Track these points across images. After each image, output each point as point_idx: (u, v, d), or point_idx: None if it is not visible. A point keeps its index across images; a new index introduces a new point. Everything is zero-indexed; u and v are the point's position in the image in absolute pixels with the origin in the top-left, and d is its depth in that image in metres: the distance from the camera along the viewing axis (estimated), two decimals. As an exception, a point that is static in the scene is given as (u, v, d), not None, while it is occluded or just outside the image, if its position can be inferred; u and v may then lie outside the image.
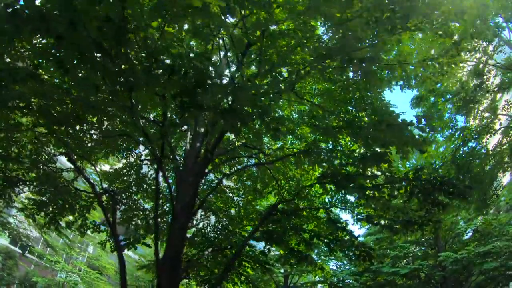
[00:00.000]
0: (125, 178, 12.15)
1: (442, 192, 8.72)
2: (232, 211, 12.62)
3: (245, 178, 12.00)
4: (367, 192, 8.36)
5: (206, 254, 9.99)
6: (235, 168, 10.94)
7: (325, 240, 10.88)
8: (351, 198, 11.60)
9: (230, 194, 12.50)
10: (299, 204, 9.53)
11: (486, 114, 12.77)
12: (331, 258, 24.70)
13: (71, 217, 11.29)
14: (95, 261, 25.71)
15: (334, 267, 24.59)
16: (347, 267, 23.31)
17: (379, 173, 8.51)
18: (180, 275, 8.28)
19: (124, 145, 10.92)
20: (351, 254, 10.92)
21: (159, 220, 12.16)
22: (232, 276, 11.83)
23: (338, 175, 8.26)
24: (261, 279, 23.95)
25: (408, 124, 7.25)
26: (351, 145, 9.69)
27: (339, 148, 9.19)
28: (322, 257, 22.69)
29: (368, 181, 8.32)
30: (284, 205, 9.31)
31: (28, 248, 30.45)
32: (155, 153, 8.39)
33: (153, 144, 8.36)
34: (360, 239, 11.31)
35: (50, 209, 10.46)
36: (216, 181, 11.85)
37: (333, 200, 11.39)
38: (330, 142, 9.34)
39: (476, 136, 11.61)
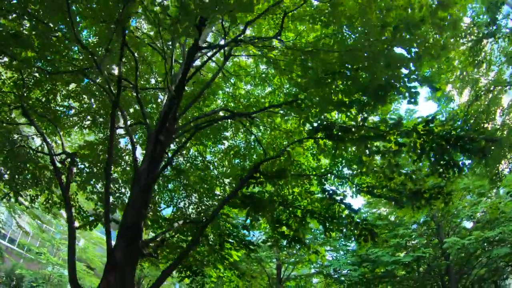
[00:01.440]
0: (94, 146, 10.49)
1: (459, 148, 6.89)
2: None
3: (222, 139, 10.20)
4: (370, 145, 6.50)
5: (176, 228, 8.11)
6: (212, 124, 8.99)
7: (320, 218, 9.06)
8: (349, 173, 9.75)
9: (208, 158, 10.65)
10: (286, 166, 7.70)
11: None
12: (328, 248, 22.78)
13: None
14: (82, 254, 23.80)
15: (330, 258, 22.59)
16: (344, 257, 21.31)
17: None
18: (141, 249, 6.44)
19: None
20: (350, 233, 9.08)
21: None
22: (214, 260, 9.99)
23: (334, 127, 6.41)
24: (253, 271, 22.09)
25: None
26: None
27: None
28: (317, 240, 20.71)
29: (372, 133, 6.45)
30: (269, 164, 7.39)
31: (17, 241, 28.67)
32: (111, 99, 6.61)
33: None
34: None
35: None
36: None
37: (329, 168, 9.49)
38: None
39: (492, 87, 9.68)
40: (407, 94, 6.41)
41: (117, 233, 6.59)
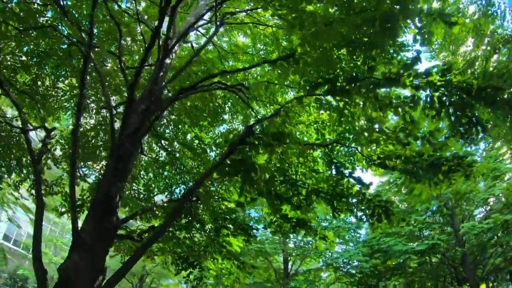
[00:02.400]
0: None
1: (482, 100, 5.67)
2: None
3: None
4: (380, 96, 5.30)
5: (159, 205, 6.96)
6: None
7: (327, 197, 7.87)
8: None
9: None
10: (283, 128, 6.49)
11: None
12: (337, 240, 21.42)
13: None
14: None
15: (339, 250, 21.25)
16: (354, 248, 19.94)
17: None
18: (114, 227, 5.38)
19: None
20: (361, 213, 7.87)
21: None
22: (211, 250, 8.82)
23: (337, 79, 5.22)
24: (253, 260, 20.86)
25: None
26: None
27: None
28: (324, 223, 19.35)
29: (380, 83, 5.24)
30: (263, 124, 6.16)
31: (21, 244, 27.80)
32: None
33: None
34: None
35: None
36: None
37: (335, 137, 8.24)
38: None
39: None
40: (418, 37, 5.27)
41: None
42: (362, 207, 7.72)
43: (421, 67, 5.68)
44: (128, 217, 6.06)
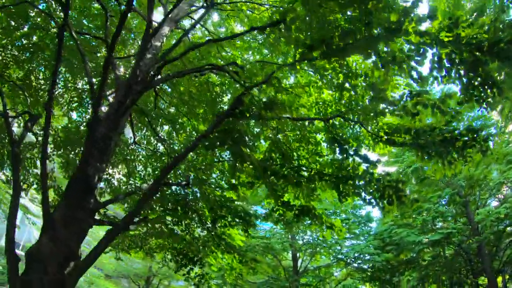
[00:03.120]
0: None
1: (495, 56, 4.90)
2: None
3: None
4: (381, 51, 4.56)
5: (143, 189, 6.27)
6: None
7: (331, 180, 7.13)
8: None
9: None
10: (275, 96, 5.72)
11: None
12: (347, 235, 20.49)
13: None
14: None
15: (349, 244, 20.29)
16: (365, 242, 18.98)
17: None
18: (92, 210, 4.78)
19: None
20: (369, 197, 7.10)
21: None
22: (210, 243, 8.12)
23: (333, 39, 4.49)
24: (268, 265, 20.02)
25: None
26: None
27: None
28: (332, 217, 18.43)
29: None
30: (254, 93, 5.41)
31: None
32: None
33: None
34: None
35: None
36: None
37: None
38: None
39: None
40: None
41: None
42: (371, 190, 6.95)
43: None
44: (109, 200, 5.42)
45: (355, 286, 21.94)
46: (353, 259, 18.89)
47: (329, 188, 7.26)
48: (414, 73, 4.96)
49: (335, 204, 19.27)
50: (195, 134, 10.62)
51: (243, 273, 9.27)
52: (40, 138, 9.60)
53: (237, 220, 6.93)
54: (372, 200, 7.11)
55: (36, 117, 6.89)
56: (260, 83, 5.17)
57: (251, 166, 5.53)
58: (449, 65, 4.97)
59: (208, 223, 7.37)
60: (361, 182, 6.96)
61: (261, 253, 17.86)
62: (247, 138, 5.11)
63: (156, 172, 10.36)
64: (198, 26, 12.32)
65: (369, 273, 19.78)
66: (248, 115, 4.81)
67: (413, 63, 4.81)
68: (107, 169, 5.52)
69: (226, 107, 11.48)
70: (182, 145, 8.94)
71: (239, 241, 10.06)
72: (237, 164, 5.06)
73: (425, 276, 20.41)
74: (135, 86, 6.73)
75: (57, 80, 9.82)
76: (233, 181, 5.96)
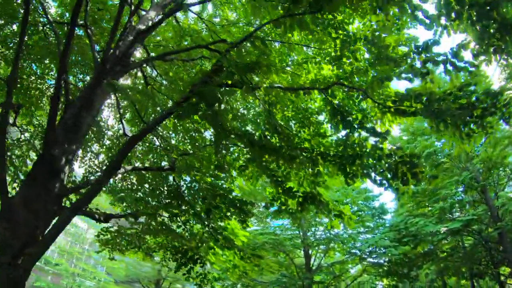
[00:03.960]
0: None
1: None
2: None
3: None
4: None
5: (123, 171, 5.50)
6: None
7: (336, 160, 6.26)
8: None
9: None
10: (260, 57, 4.86)
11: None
12: (361, 229, 19.41)
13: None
14: (103, 262, 21.70)
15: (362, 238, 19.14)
16: (379, 234, 17.83)
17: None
18: (59, 193, 4.09)
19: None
20: (380, 178, 6.19)
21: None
22: (206, 238, 7.29)
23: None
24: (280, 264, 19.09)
25: None
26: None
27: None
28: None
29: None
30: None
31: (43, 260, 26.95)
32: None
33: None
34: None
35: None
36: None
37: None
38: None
39: None
40: None
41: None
42: (381, 169, 6.05)
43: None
44: (80, 185, 4.69)
45: (372, 282, 20.84)
46: (367, 253, 17.78)
47: (334, 169, 6.38)
48: (419, 13, 4.08)
49: (346, 195, 18.29)
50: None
51: (247, 271, 8.43)
52: (27, 134, 9.04)
53: (232, 210, 6.11)
54: (384, 181, 6.21)
55: (19, 106, 6.31)
56: (239, 41, 4.35)
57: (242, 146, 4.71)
58: (457, 6, 4.08)
59: (203, 215, 6.58)
60: (370, 161, 6.08)
61: (271, 250, 16.99)
62: (229, 107, 4.29)
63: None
64: (195, 17, 11.72)
65: (385, 268, 18.68)
66: (230, 82, 4.01)
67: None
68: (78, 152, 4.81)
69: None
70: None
71: (242, 236, 9.23)
72: (220, 139, 4.25)
73: (444, 269, 19.20)
74: (114, 66, 6.24)
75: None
76: (222, 162, 5.13)
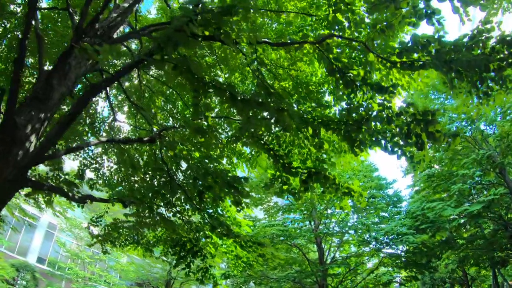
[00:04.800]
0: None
1: None
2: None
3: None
4: None
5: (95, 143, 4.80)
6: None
7: (340, 128, 5.47)
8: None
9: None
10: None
11: None
12: (376, 220, 18.42)
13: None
14: (113, 265, 21.20)
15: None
16: (396, 221, 16.75)
17: None
18: (21, 167, 3.44)
19: None
20: (391, 145, 5.37)
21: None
22: (201, 226, 6.56)
23: None
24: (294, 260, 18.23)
25: None
26: None
27: None
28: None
29: None
30: None
31: (56, 266, 26.58)
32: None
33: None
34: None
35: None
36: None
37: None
38: None
39: None
40: None
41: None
42: (393, 133, 5.23)
43: None
44: (51, 154, 4.05)
45: (389, 275, 19.79)
46: (384, 244, 16.74)
47: (338, 139, 5.60)
48: None
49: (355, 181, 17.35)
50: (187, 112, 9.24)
51: (251, 262, 7.67)
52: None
53: (226, 190, 5.38)
54: (396, 148, 5.38)
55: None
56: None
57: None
58: None
59: (196, 200, 5.86)
60: (378, 126, 5.27)
61: (281, 243, 16.17)
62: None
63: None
64: None
65: (403, 259, 17.64)
66: (207, 33, 3.29)
67: None
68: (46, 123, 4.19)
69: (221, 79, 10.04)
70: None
71: (246, 226, 8.49)
72: (198, 95, 3.53)
73: (464, 258, 18.09)
74: (94, 39, 5.69)
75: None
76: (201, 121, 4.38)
